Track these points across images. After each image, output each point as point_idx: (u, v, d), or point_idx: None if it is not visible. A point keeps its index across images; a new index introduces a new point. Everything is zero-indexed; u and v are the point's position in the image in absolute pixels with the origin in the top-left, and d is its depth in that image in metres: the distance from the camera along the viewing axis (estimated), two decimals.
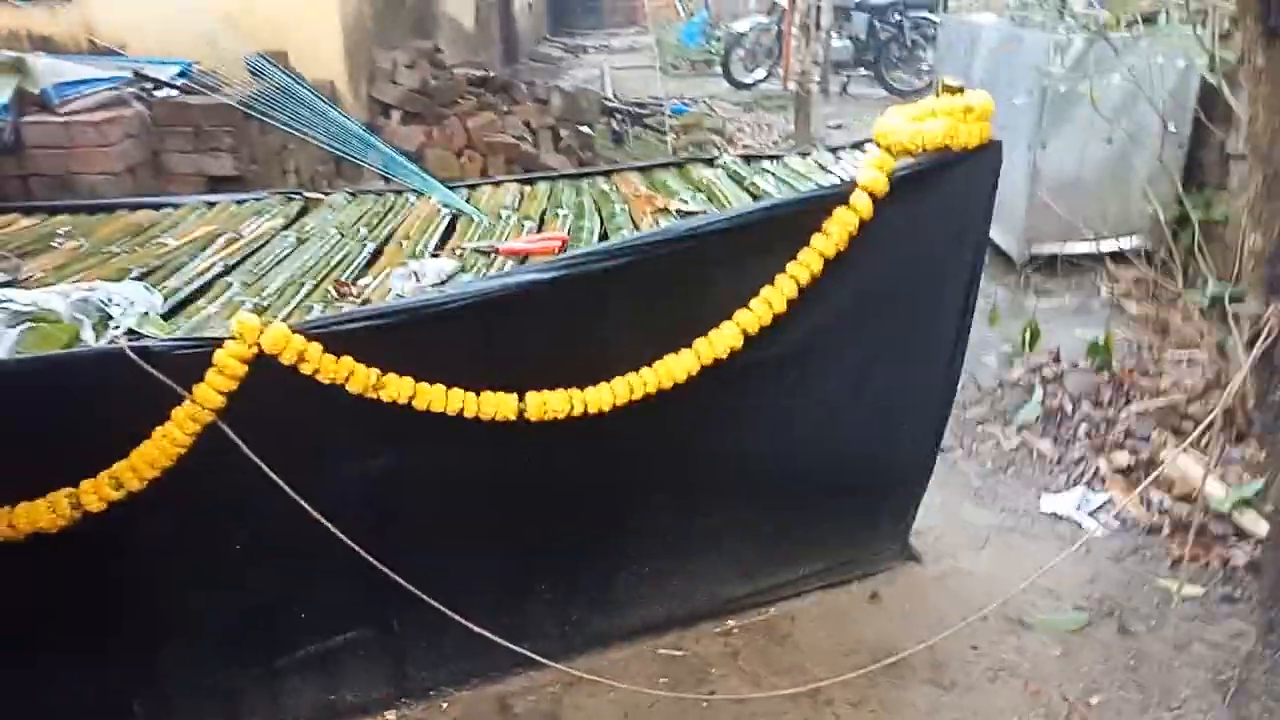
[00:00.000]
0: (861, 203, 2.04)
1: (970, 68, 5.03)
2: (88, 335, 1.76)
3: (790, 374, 2.15)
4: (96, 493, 1.72)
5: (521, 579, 2.18)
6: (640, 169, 2.93)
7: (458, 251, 2.25)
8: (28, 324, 1.76)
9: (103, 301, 1.84)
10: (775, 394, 2.16)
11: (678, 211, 2.41)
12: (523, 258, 2.16)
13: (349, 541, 1.84)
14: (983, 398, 3.57)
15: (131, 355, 1.62)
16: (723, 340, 2.00)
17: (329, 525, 1.82)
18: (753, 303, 2.01)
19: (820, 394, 2.21)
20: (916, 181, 2.11)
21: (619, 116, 7.32)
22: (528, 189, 2.86)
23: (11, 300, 1.82)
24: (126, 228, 2.63)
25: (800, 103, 7.23)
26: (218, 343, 1.68)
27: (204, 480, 1.75)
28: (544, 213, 2.59)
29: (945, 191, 2.15)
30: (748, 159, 2.89)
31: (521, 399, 1.89)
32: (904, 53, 9.69)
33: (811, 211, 2.04)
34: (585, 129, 6.68)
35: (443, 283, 2.02)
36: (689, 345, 2.01)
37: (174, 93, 4.13)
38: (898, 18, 9.68)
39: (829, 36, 9.18)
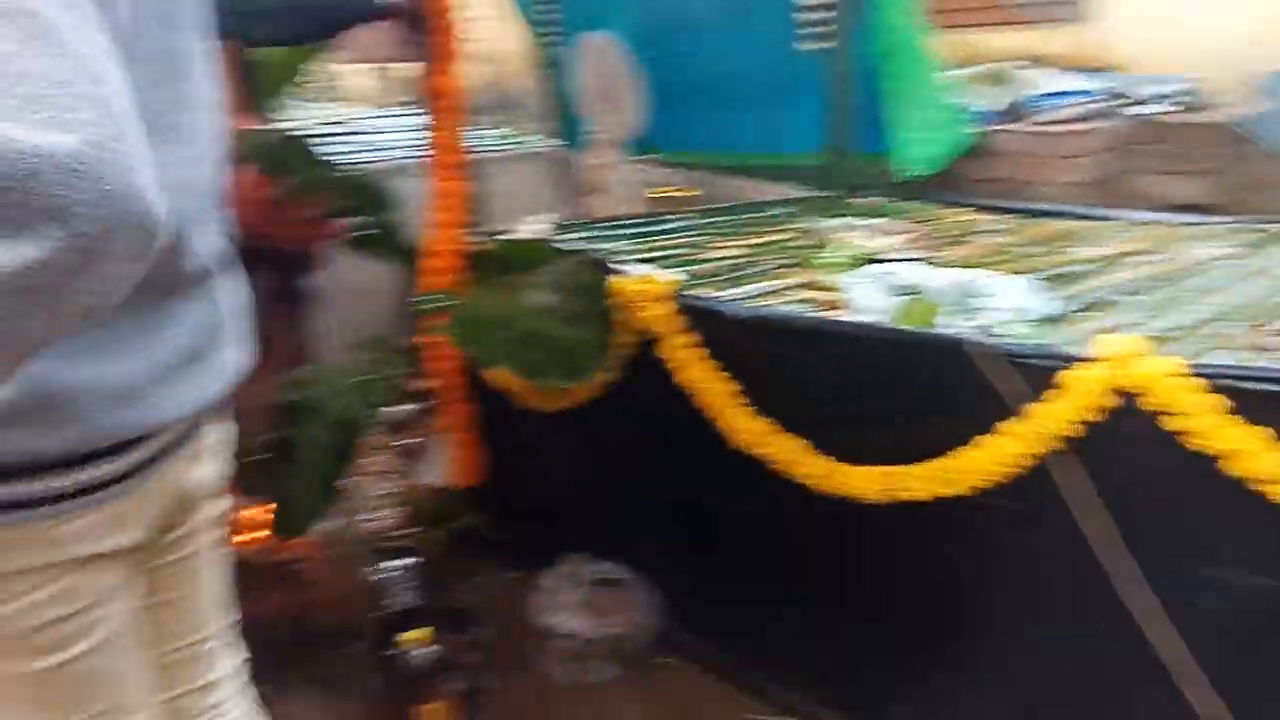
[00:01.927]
0: None
1: None
2: (945, 319, 1.65)
3: None
4: (913, 482, 1.61)
5: None
6: None
7: None
8: (906, 296, 1.74)
9: (974, 291, 1.70)
10: None
11: None
12: None
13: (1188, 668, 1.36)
14: None
15: (965, 350, 1.45)
16: None
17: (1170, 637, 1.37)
18: None
19: None
20: None
21: None
22: None
23: (898, 274, 1.83)
24: (1046, 234, 2.48)
25: None
26: (1069, 360, 1.38)
27: (1015, 513, 1.50)
28: None
29: None
30: None
31: None
32: None
33: None
34: None
35: None
36: None
37: (1153, 110, 3.79)
38: None
39: None
